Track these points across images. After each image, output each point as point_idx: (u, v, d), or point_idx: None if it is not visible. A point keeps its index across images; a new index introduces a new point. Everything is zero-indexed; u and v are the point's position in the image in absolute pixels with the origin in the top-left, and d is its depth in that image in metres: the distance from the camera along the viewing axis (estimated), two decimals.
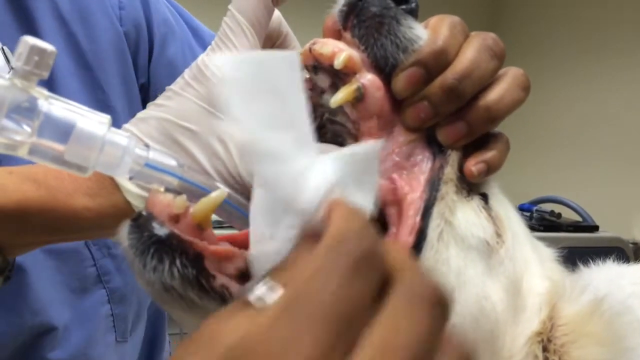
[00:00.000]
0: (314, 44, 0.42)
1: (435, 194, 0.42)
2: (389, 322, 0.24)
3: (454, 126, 0.42)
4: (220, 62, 0.30)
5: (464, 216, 0.43)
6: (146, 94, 0.74)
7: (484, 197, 0.45)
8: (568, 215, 2.33)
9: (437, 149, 0.43)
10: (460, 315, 0.40)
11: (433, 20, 0.44)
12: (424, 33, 0.42)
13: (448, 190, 0.42)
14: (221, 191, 0.36)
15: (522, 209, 2.31)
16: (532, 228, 2.03)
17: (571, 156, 3.52)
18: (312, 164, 0.29)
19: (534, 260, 0.48)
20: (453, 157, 0.43)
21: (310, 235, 0.27)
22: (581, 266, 0.77)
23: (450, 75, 0.41)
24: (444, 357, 0.25)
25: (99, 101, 0.67)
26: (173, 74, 0.75)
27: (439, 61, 0.42)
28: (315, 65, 0.42)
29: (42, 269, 0.64)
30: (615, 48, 3.31)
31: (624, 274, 0.73)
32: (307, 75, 0.44)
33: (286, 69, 0.31)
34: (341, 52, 0.40)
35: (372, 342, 0.24)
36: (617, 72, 3.31)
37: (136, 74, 0.72)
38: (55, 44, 0.66)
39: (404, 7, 0.42)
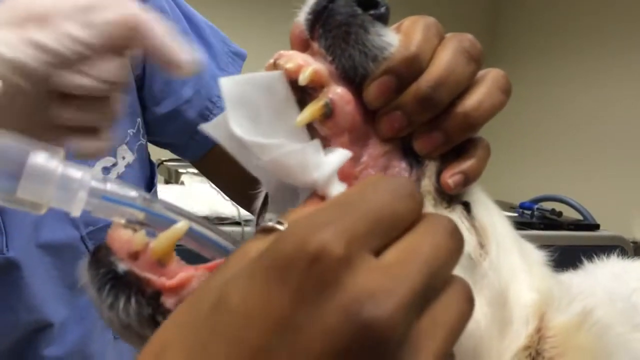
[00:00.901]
0: (278, 57, 0.39)
1: None
2: (417, 237, 0.29)
3: (430, 136, 0.40)
4: (221, 83, 0.34)
5: None
6: (141, 85, 0.73)
7: (466, 206, 0.44)
8: (569, 213, 2.33)
9: (414, 159, 0.41)
10: None
11: (406, 22, 0.42)
12: (395, 39, 0.40)
13: (426, 204, 0.40)
14: (183, 224, 0.35)
15: (523, 207, 2.31)
16: (533, 226, 2.04)
17: (572, 155, 3.51)
18: (310, 145, 0.33)
19: (521, 268, 0.46)
20: (430, 167, 0.42)
21: (319, 196, 0.34)
22: (583, 264, 0.77)
23: (424, 82, 0.39)
24: (452, 285, 0.30)
25: None
26: None
27: (411, 68, 0.39)
28: None
29: (38, 265, 0.64)
30: (617, 46, 3.30)
31: (628, 269, 0.72)
32: None
33: (274, 84, 0.35)
34: (306, 66, 0.38)
35: (399, 247, 0.29)
36: (618, 70, 3.30)
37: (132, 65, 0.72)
38: None
39: (372, 12, 0.40)
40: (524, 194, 2.64)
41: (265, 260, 0.27)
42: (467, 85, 0.41)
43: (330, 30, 0.39)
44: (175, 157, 0.91)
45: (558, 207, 2.29)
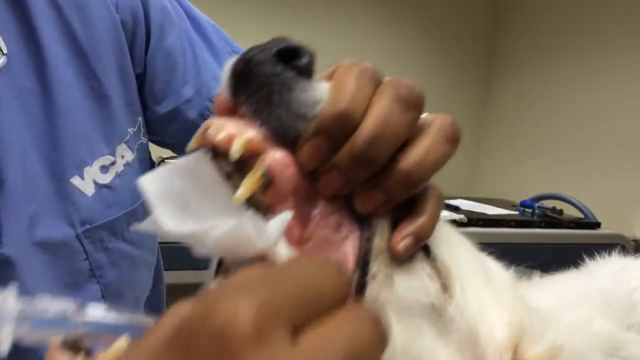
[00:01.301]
0: (207, 128, 0.36)
1: (365, 274, 0.37)
2: (338, 323, 0.27)
3: (370, 195, 0.37)
4: (140, 183, 0.33)
5: (404, 285, 0.39)
6: (142, 84, 0.73)
7: (426, 249, 0.41)
8: (570, 212, 2.33)
9: (363, 217, 0.38)
10: None
11: (338, 70, 0.38)
12: (324, 91, 0.37)
13: (380, 265, 0.38)
14: (122, 341, 0.33)
15: (523, 205, 2.31)
16: (534, 225, 2.03)
17: (573, 153, 3.51)
18: (246, 217, 0.32)
19: (491, 303, 0.44)
20: (381, 225, 0.38)
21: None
22: (583, 262, 0.76)
23: (358, 139, 0.36)
24: None
25: (94, 90, 0.66)
26: (170, 65, 0.74)
27: (343, 125, 0.36)
28: (215, 150, 0.36)
29: (33, 262, 0.63)
30: (618, 45, 3.30)
31: (628, 267, 0.72)
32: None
33: (198, 165, 0.34)
34: (238, 136, 0.35)
35: (319, 332, 0.26)
36: (619, 70, 3.30)
37: (133, 63, 0.70)
38: (49, 30, 0.65)
39: (296, 63, 0.36)
40: (524, 192, 2.64)
41: (169, 332, 0.24)
42: (408, 136, 0.38)
43: (253, 94, 0.36)
44: (176, 155, 0.91)
45: (559, 205, 2.29)
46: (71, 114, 0.64)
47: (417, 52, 4.02)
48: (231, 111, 0.38)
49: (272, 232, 0.32)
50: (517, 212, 2.26)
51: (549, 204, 2.32)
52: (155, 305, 0.85)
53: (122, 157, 0.70)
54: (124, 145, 0.70)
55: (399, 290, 0.38)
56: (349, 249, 0.37)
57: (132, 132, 0.71)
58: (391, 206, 0.38)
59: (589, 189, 2.92)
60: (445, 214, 2.03)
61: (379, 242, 0.38)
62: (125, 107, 0.70)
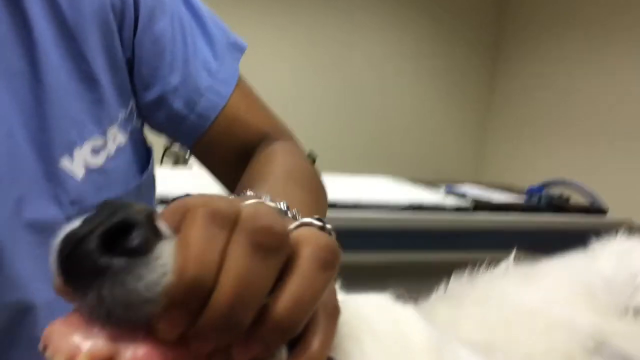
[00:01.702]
0: (45, 347, 0.32)
1: None
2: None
3: (246, 347, 0.33)
4: None
5: None
6: (132, 68, 0.71)
7: None
8: (577, 198, 2.32)
9: None
10: None
11: (184, 224, 0.33)
12: (168, 260, 0.32)
13: None
14: None
15: (531, 191, 2.30)
16: (541, 210, 2.03)
17: (581, 139, 3.49)
18: None
19: None
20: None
21: None
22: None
23: (216, 308, 0.32)
24: None
25: (82, 72, 0.65)
26: (159, 51, 0.73)
27: (196, 294, 0.32)
28: None
29: (20, 243, 0.62)
30: (628, 29, 3.26)
31: (634, 249, 0.71)
32: None
33: None
34: (77, 354, 0.31)
35: None
36: (629, 54, 3.26)
37: (122, 46, 0.69)
38: (37, 11, 0.64)
39: (126, 245, 0.32)
40: (532, 178, 2.63)
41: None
42: (273, 282, 0.33)
43: (85, 288, 0.32)
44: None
45: (566, 191, 2.28)
46: (60, 96, 0.63)
47: (423, 35, 3.99)
48: (71, 294, 0.33)
49: None
50: (524, 198, 2.25)
51: (556, 190, 2.31)
52: None
53: (114, 140, 0.69)
54: (115, 128, 0.68)
55: None
56: None
57: (123, 116, 0.70)
58: (273, 351, 0.34)
59: (596, 175, 2.90)
60: (452, 200, 2.02)
61: None
62: (115, 90, 0.69)
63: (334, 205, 1.72)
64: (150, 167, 0.75)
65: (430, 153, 4.09)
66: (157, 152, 0.86)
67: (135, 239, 0.32)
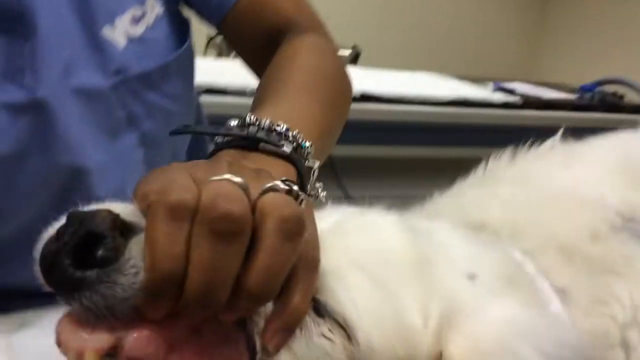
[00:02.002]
0: (59, 344, 0.36)
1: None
2: None
3: (226, 314, 0.36)
4: None
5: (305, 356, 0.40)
6: None
7: (316, 306, 0.42)
8: (632, 97, 2.23)
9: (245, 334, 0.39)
10: None
11: (147, 221, 0.35)
12: (138, 260, 0.35)
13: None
14: None
15: (584, 89, 2.22)
16: (594, 109, 1.96)
17: (638, 35, 3.31)
18: None
19: (409, 310, 0.44)
20: (258, 325, 0.39)
21: None
22: None
23: (189, 294, 0.34)
24: None
25: None
26: None
27: (169, 284, 0.34)
28: None
29: (71, 108, 0.65)
30: None
31: None
32: None
33: None
34: (84, 349, 0.35)
35: None
36: None
37: None
38: None
39: (96, 255, 0.34)
40: (586, 76, 2.53)
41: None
42: (238, 258, 0.35)
43: (68, 301, 0.35)
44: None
45: (621, 90, 2.20)
46: None
47: None
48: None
49: None
50: (576, 96, 2.18)
51: (610, 88, 2.22)
52: (195, 153, 0.87)
53: (152, 10, 0.70)
54: None
55: None
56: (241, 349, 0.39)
57: None
58: (252, 313, 0.39)
59: None
60: (500, 96, 1.97)
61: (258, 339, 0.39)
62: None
63: (378, 99, 1.70)
64: (188, 41, 0.76)
65: (478, 49, 3.95)
66: (200, 43, 0.86)
67: (103, 249, 0.34)
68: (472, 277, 0.47)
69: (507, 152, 0.71)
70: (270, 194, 0.37)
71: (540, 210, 0.59)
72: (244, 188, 0.36)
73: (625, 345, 0.51)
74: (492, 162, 0.70)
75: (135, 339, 0.36)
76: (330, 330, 0.42)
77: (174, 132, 0.52)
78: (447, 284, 0.45)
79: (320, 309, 0.42)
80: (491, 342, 0.43)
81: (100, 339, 0.35)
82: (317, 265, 0.41)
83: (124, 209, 0.37)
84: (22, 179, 0.64)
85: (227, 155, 0.46)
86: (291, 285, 0.38)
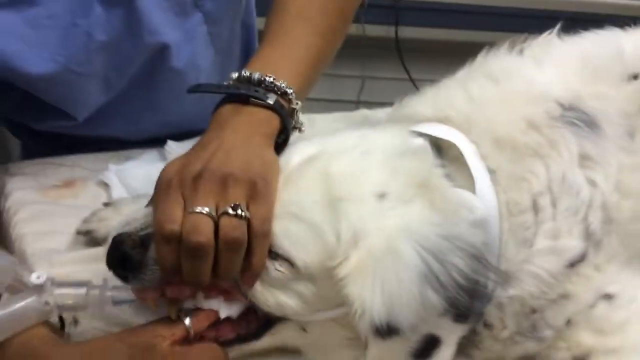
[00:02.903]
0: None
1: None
2: None
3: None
4: None
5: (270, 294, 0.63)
6: None
7: (271, 252, 0.63)
8: None
9: None
10: None
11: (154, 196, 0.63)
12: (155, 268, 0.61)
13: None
14: None
15: None
16: None
17: None
18: None
19: (327, 235, 0.62)
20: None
21: None
22: None
23: (183, 250, 0.59)
24: None
25: None
26: None
27: (173, 272, 0.59)
28: None
29: None
30: None
31: None
32: None
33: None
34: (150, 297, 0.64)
35: None
36: None
37: None
38: None
39: (130, 267, 0.61)
40: None
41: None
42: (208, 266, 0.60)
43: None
44: None
45: None
46: None
47: None
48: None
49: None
50: None
51: None
52: (247, 25, 1.10)
53: None
54: None
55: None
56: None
57: None
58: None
59: None
60: None
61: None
62: None
63: None
64: None
65: None
66: None
67: (131, 264, 0.61)
68: (381, 196, 0.63)
69: (505, 43, 0.80)
70: (224, 219, 0.59)
71: (493, 106, 0.72)
72: (211, 216, 0.59)
73: (536, 208, 0.67)
74: (486, 53, 0.81)
75: (173, 288, 0.63)
76: (280, 265, 0.63)
77: (190, 91, 0.74)
78: (355, 210, 0.62)
79: (272, 254, 0.62)
80: (380, 248, 0.60)
81: (155, 291, 0.63)
82: (268, 235, 0.61)
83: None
84: (120, 58, 0.92)
85: (221, 118, 0.69)
86: (252, 250, 0.60)
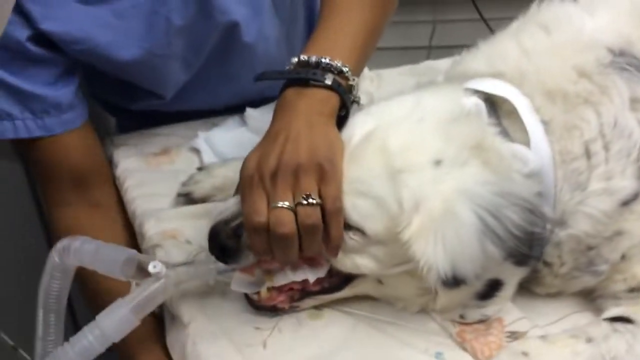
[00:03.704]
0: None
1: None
2: None
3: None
4: None
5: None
6: None
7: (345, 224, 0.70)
8: None
9: None
10: None
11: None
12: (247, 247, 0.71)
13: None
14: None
15: None
16: None
17: None
18: None
19: (389, 204, 0.68)
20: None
21: None
22: None
23: (272, 239, 0.68)
24: None
25: None
26: None
27: (258, 231, 0.67)
28: None
29: None
30: None
31: None
32: None
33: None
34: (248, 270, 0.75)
35: None
36: None
37: None
38: None
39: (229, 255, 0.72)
40: None
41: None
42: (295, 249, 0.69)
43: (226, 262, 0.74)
44: None
45: None
46: None
47: None
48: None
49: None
50: None
51: None
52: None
53: None
54: None
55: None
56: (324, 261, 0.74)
57: None
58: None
59: None
60: None
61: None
62: None
63: None
64: None
65: None
66: None
67: (229, 253, 0.72)
68: (437, 162, 0.67)
69: None
70: (300, 209, 0.67)
71: (544, 57, 0.75)
72: (290, 208, 0.67)
73: (588, 154, 0.71)
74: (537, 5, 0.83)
75: (265, 262, 0.73)
76: (353, 234, 0.70)
77: (257, 79, 0.83)
78: (414, 179, 0.67)
79: (346, 225, 0.69)
80: (439, 210, 0.64)
81: (250, 261, 0.73)
82: (340, 211, 0.68)
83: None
84: (196, 39, 1.01)
85: (285, 102, 0.76)
86: (329, 226, 0.68)
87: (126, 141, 1.14)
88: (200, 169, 1.01)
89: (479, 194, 0.66)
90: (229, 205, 0.72)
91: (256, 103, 1.13)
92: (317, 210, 0.67)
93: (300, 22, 1.17)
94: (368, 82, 1.25)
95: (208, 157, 1.05)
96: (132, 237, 0.97)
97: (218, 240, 0.71)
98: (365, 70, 1.27)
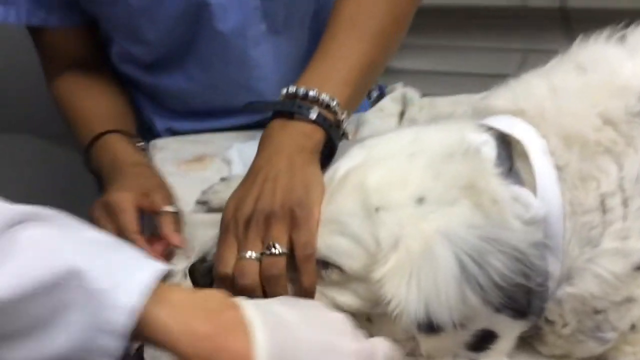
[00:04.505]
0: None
1: None
2: None
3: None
4: None
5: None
6: None
7: (321, 262, 0.67)
8: None
9: None
10: None
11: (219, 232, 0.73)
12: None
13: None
14: None
15: None
16: None
17: None
18: None
19: (367, 241, 0.65)
20: None
21: None
22: None
23: (235, 283, 0.68)
24: None
25: None
26: None
27: (225, 280, 0.69)
28: None
29: None
30: None
31: None
32: None
33: None
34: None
35: None
36: None
37: None
38: None
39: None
40: None
41: None
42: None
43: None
44: None
45: None
46: None
47: None
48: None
49: None
50: None
51: None
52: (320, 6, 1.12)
53: None
54: None
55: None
56: None
57: None
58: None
59: None
60: None
61: None
62: None
63: None
64: None
65: None
66: None
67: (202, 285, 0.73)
68: (420, 200, 0.64)
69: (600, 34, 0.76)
70: (264, 259, 0.67)
71: (570, 98, 0.69)
72: (258, 259, 0.67)
73: (604, 208, 0.64)
74: (582, 40, 0.77)
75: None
76: (331, 272, 0.67)
77: (243, 109, 0.85)
78: (392, 217, 0.64)
79: (324, 264, 0.67)
80: (417, 250, 0.61)
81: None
82: (310, 257, 0.67)
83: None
84: (162, 16, 1.00)
85: (269, 133, 0.76)
86: (300, 272, 0.67)
87: (167, 145, 1.17)
88: (222, 179, 1.02)
89: (462, 237, 0.61)
90: (209, 244, 0.75)
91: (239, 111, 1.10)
92: (281, 260, 0.67)
93: (303, 44, 1.13)
94: (417, 110, 1.20)
95: (237, 169, 1.06)
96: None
97: (193, 278, 0.75)
98: (416, 96, 1.23)
